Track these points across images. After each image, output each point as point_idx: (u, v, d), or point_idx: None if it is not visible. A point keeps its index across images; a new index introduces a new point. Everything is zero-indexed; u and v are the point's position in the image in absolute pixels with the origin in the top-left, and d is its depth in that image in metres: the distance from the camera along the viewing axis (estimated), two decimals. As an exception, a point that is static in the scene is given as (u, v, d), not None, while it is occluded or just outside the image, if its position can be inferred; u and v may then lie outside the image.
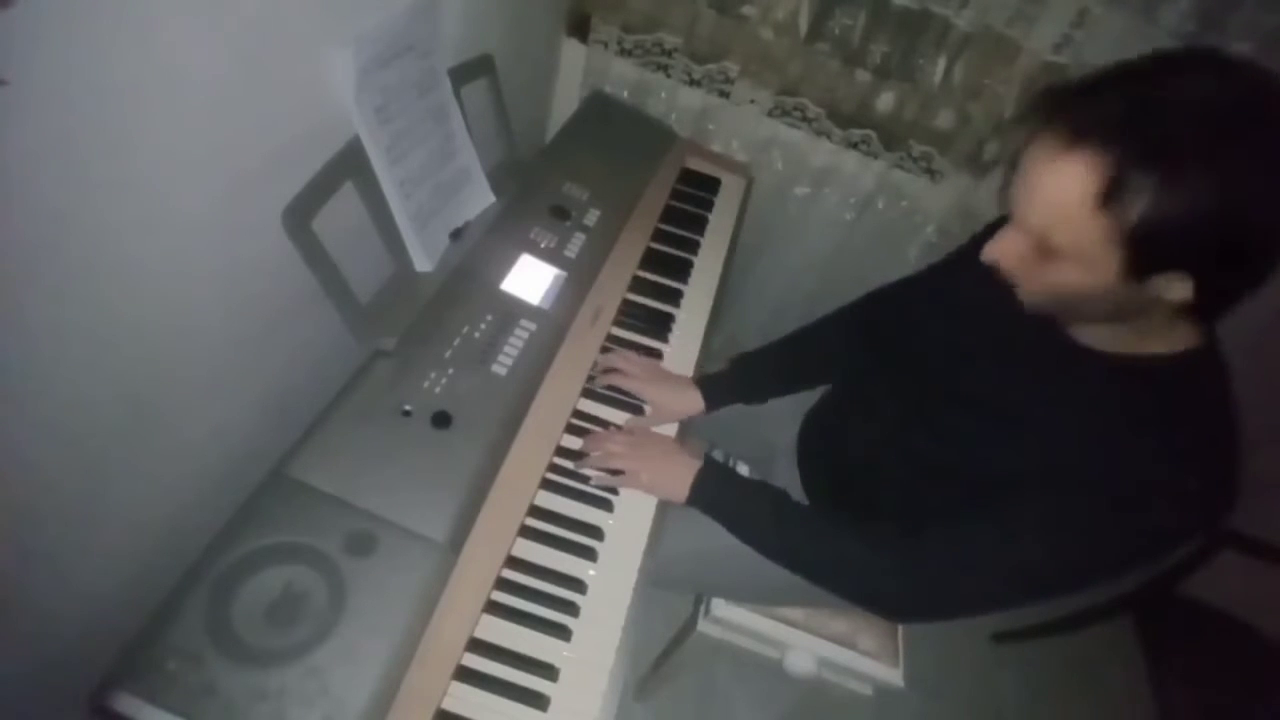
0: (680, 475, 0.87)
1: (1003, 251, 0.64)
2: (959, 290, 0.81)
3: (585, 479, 0.87)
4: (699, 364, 1.06)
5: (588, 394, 0.96)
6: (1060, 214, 0.57)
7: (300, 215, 0.73)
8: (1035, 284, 0.64)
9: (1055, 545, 0.67)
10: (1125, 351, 0.66)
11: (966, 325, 0.79)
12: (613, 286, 1.07)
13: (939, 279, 0.93)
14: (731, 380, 1.03)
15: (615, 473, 0.87)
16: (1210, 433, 0.63)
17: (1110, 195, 0.53)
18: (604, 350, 1.00)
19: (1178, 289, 0.57)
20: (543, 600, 0.76)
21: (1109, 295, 0.59)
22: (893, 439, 0.86)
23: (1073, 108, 0.56)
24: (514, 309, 0.94)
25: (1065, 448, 0.66)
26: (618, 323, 1.05)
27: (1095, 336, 0.67)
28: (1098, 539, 0.65)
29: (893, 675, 1.03)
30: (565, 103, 1.56)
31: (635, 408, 0.97)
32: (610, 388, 0.97)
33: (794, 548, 0.83)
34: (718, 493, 0.87)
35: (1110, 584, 0.69)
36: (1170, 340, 0.64)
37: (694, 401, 1.00)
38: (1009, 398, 0.72)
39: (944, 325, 0.83)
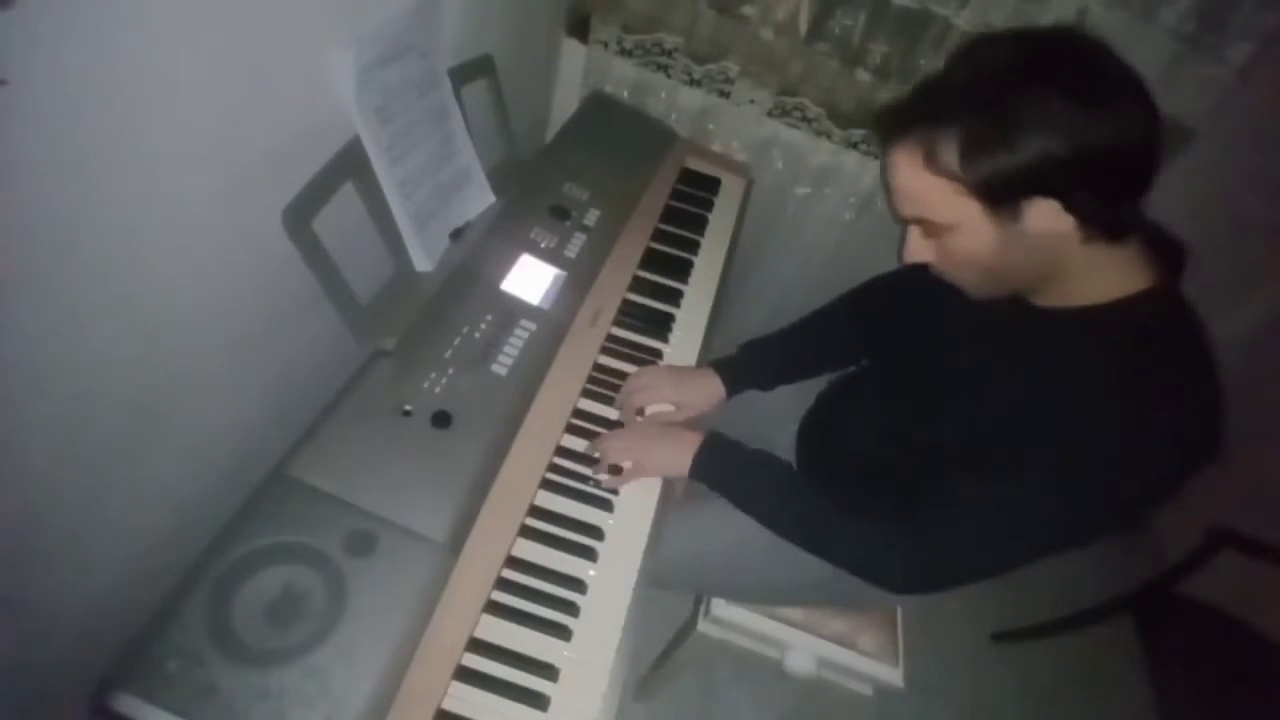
0: (682, 450, 0.87)
1: (913, 249, 0.72)
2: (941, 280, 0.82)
3: (585, 479, 0.87)
4: (699, 364, 1.06)
5: (588, 394, 0.96)
6: (916, 195, 0.66)
7: (300, 215, 0.73)
8: (957, 264, 0.70)
9: (1051, 496, 0.67)
10: (1080, 304, 0.68)
11: (949, 311, 0.81)
12: (613, 286, 1.07)
13: (925, 269, 0.93)
14: (745, 366, 1.04)
15: (616, 469, 0.87)
16: (1182, 364, 0.65)
17: (931, 158, 0.63)
18: (604, 350, 1.00)
19: (1052, 215, 0.62)
20: (543, 600, 0.76)
21: (1010, 246, 0.65)
22: (890, 428, 0.86)
23: (890, 118, 0.68)
24: (514, 309, 0.94)
25: (1046, 405, 0.68)
26: (618, 323, 1.05)
27: (1053, 296, 0.70)
28: (1091, 483, 0.66)
29: (893, 675, 1.03)
30: (565, 103, 1.56)
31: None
32: (612, 387, 0.97)
33: (798, 516, 0.83)
34: (721, 463, 0.87)
35: (1117, 530, 0.70)
36: (1122, 285, 0.67)
37: (716, 389, 1.01)
38: (992, 371, 0.74)
39: (931, 313, 0.85)
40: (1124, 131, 0.59)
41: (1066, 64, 0.60)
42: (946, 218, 0.66)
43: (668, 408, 0.98)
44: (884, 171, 0.70)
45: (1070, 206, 0.61)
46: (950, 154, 0.62)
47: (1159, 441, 0.63)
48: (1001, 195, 0.62)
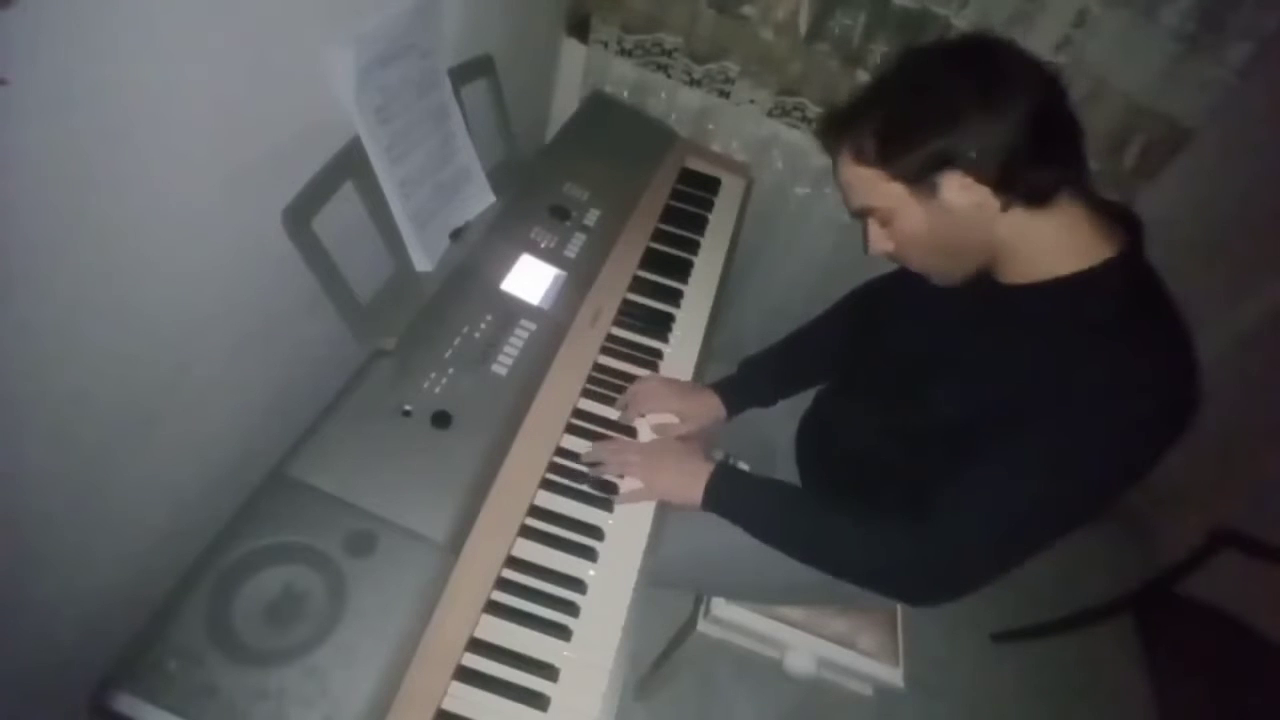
0: (693, 482, 0.87)
1: (873, 241, 0.80)
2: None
3: (585, 479, 0.87)
4: (699, 364, 1.06)
5: (588, 394, 0.96)
6: (854, 185, 0.76)
7: (300, 215, 0.73)
8: (908, 248, 0.78)
9: (1048, 473, 0.68)
10: (1046, 277, 0.72)
11: (936, 305, 0.83)
12: (613, 286, 1.07)
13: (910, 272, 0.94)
14: (744, 385, 1.05)
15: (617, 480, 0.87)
16: (1154, 321, 0.68)
17: (859, 153, 0.74)
18: (604, 350, 1.00)
19: (961, 186, 0.69)
20: (543, 600, 0.76)
21: (940, 221, 0.72)
22: (888, 424, 0.86)
23: (828, 126, 0.79)
24: (514, 309, 0.94)
25: (1032, 378, 0.70)
26: (618, 323, 1.05)
27: (1017, 272, 0.74)
28: (1084, 454, 0.67)
29: (893, 675, 1.03)
30: (565, 103, 1.56)
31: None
32: (612, 387, 0.97)
33: (813, 540, 0.83)
34: (731, 494, 0.87)
35: (1118, 498, 0.71)
36: (1083, 255, 0.70)
37: (717, 407, 1.02)
38: (978, 354, 0.76)
39: (920, 309, 0.86)
40: (1014, 110, 0.66)
41: (961, 61, 0.70)
42: (882, 202, 0.75)
43: (671, 418, 0.98)
44: (834, 173, 0.80)
45: (977, 178, 0.68)
46: (872, 147, 0.72)
47: (1134, 396, 0.64)
48: (915, 175, 0.71)
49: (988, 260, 0.75)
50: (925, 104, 0.70)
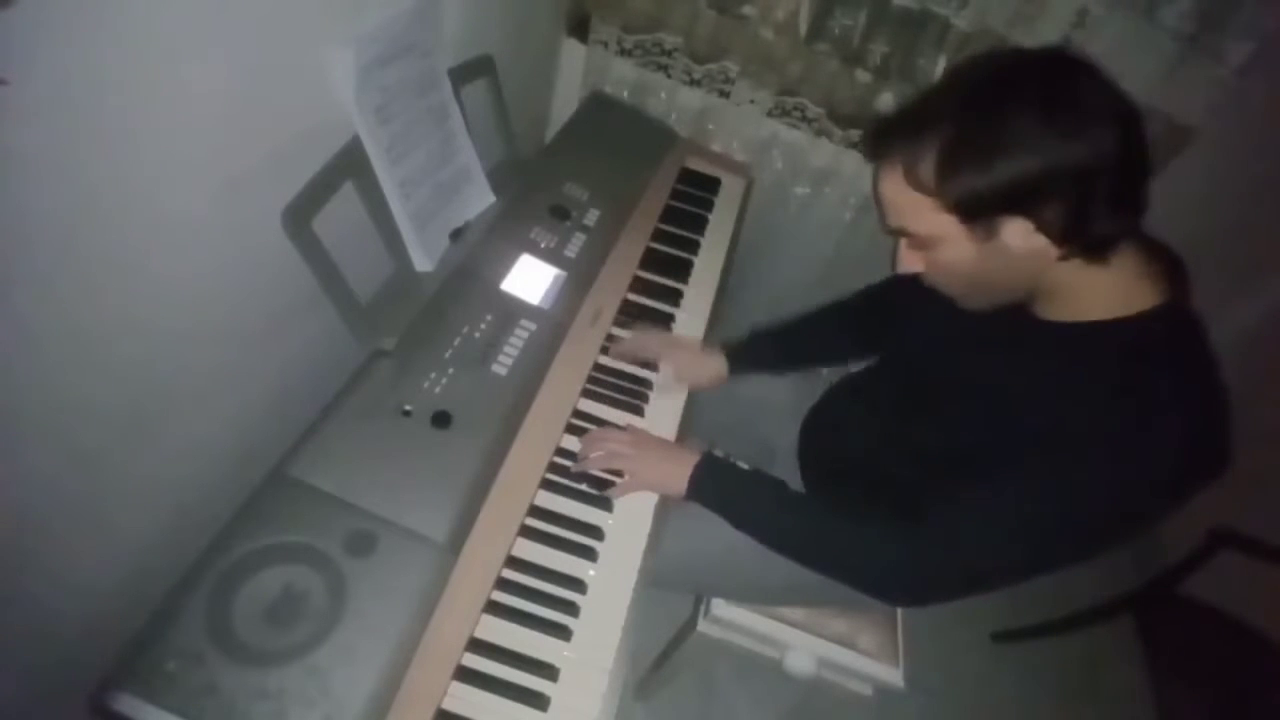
0: (679, 471, 0.87)
1: (904, 260, 0.74)
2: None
3: (583, 478, 0.87)
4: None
5: (588, 394, 0.96)
6: (899, 209, 0.69)
7: (300, 215, 0.73)
8: (943, 276, 0.73)
9: (1052, 505, 0.67)
10: (1086, 319, 0.69)
11: (950, 316, 0.81)
12: (613, 286, 1.07)
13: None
14: (753, 352, 1.08)
15: (615, 472, 0.87)
16: (1184, 374, 0.65)
17: (911, 173, 0.65)
18: (604, 350, 1.00)
19: (1024, 233, 0.64)
20: (543, 600, 0.76)
21: (988, 260, 0.67)
22: (893, 433, 0.86)
23: (879, 131, 0.70)
24: (514, 309, 0.94)
25: (1046, 410, 0.68)
26: (618, 323, 1.05)
27: (1055, 310, 0.71)
28: (1093, 493, 0.66)
29: (893, 675, 1.02)
30: (565, 103, 1.56)
31: (635, 408, 0.97)
32: (612, 387, 0.97)
33: (798, 535, 0.83)
34: (717, 484, 0.87)
35: (1121, 543, 0.70)
36: (1128, 303, 0.67)
37: (718, 365, 1.05)
38: (994, 378, 0.74)
39: (932, 318, 0.84)
40: (1098, 156, 0.60)
41: (1045, 87, 0.62)
42: (927, 230, 0.68)
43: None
44: (873, 183, 0.72)
45: (1040, 226, 0.63)
46: (928, 171, 0.64)
47: (1158, 444, 0.62)
48: (975, 212, 0.64)
49: (1025, 297, 0.72)
50: (998, 137, 0.61)
